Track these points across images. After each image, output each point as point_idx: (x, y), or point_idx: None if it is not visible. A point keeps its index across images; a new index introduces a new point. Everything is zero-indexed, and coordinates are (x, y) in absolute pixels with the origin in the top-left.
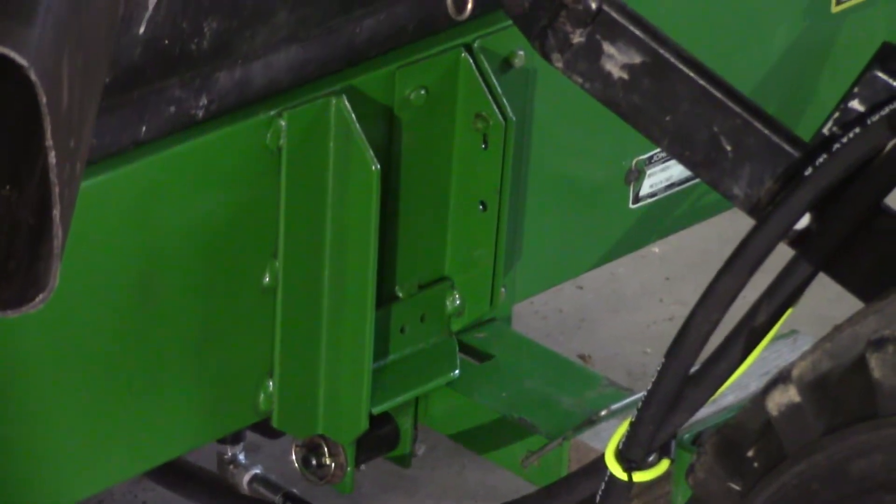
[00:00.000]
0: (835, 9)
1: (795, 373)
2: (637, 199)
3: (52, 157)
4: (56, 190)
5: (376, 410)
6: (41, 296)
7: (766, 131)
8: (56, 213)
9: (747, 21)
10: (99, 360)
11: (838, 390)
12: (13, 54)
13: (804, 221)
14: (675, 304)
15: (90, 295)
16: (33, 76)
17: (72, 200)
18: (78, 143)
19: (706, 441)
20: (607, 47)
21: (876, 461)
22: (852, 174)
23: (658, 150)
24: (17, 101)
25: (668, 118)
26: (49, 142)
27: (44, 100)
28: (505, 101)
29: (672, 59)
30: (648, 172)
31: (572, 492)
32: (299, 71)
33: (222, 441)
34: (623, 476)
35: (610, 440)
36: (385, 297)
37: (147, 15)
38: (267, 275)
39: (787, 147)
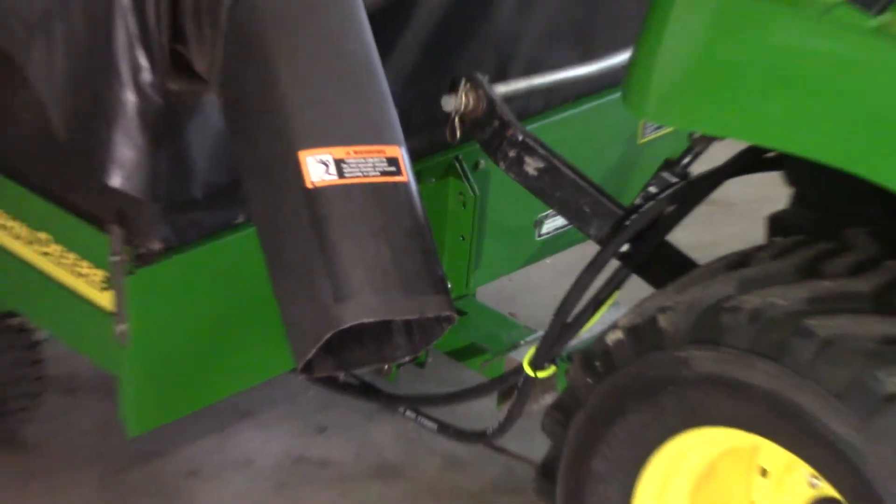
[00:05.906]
0: (640, 141)
1: (621, 323)
2: (541, 235)
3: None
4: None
5: None
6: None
7: (606, 202)
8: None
9: (596, 146)
10: (263, 303)
11: (643, 331)
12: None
13: (625, 247)
14: (559, 290)
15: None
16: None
17: None
18: None
19: (575, 357)
20: (527, 159)
21: (650, 372)
22: (650, 223)
23: (552, 210)
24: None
25: (557, 195)
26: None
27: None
28: (475, 185)
29: (559, 166)
30: (546, 222)
31: (505, 381)
32: None
33: None
34: (532, 374)
35: (525, 356)
36: None
37: None
38: None
39: (616, 210)
